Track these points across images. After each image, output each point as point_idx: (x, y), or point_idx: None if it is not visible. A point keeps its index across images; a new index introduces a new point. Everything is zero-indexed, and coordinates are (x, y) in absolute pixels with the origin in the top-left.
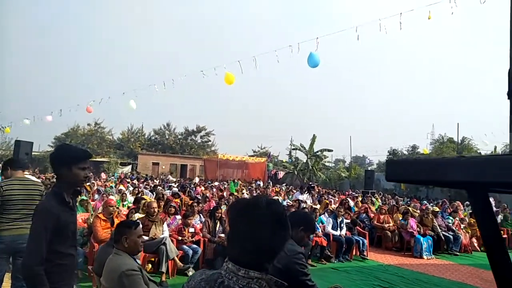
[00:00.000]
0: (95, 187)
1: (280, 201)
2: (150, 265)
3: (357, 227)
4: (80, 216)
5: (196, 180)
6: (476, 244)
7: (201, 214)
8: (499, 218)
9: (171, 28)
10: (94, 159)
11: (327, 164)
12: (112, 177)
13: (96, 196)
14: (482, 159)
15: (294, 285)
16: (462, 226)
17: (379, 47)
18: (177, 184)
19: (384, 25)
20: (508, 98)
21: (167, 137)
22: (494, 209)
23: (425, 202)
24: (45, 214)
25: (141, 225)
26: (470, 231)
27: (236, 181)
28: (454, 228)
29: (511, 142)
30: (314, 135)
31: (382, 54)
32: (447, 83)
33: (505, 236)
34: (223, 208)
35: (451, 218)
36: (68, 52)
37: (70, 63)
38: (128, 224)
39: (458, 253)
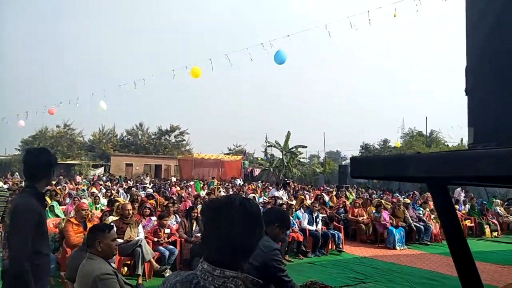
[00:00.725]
0: (66, 191)
1: (257, 198)
2: (126, 268)
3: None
4: (51, 221)
5: (173, 180)
6: None
7: (177, 215)
8: (467, 207)
9: (145, 27)
10: (65, 162)
11: (302, 160)
12: (84, 180)
13: (68, 200)
14: (438, 155)
15: (271, 281)
16: (432, 216)
17: (350, 44)
18: (151, 185)
19: (353, 22)
20: (466, 95)
21: (140, 137)
22: (462, 198)
23: (397, 194)
24: (28, 211)
25: (115, 228)
26: (439, 221)
27: (212, 179)
28: (424, 218)
29: (469, 137)
30: (288, 131)
31: (353, 51)
32: (416, 78)
33: (472, 224)
34: (200, 207)
35: (421, 209)
36: (37, 54)
37: (39, 66)
38: (101, 227)
39: (429, 243)
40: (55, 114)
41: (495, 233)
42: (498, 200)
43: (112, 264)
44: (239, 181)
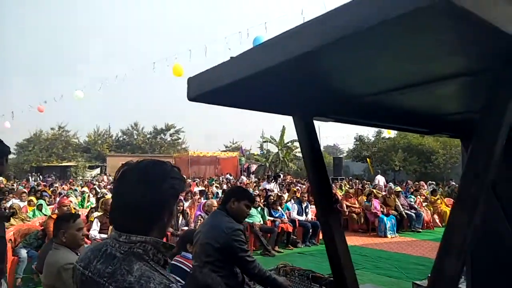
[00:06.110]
0: (58, 191)
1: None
2: None
3: None
4: (38, 220)
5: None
6: (437, 220)
7: None
8: (446, 190)
9: (119, 23)
10: (60, 164)
11: (298, 154)
12: (80, 181)
13: (58, 199)
14: (246, 53)
15: (234, 262)
16: (424, 204)
17: None
18: None
19: (327, 5)
20: None
21: (135, 137)
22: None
23: (391, 184)
24: None
25: (80, 218)
26: (431, 208)
27: (209, 178)
28: (416, 206)
29: None
30: (283, 126)
31: None
32: None
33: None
34: (186, 203)
35: (413, 197)
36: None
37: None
38: (65, 217)
39: (420, 230)
40: (44, 114)
41: None
42: None
43: None
44: (231, 177)
